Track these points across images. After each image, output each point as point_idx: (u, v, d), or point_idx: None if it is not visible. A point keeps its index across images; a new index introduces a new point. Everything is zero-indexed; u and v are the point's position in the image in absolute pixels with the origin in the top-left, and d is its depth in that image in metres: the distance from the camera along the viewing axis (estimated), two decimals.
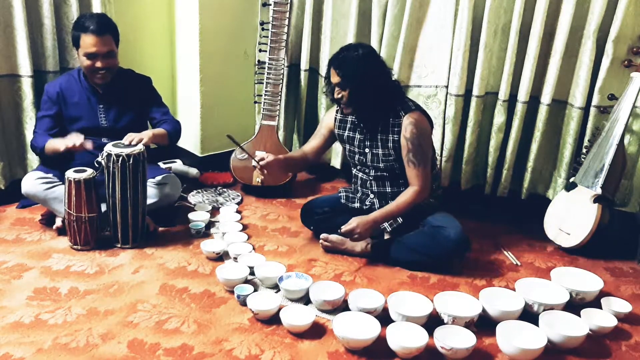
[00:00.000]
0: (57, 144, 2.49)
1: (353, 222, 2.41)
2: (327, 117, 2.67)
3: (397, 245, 2.47)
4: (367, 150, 2.51)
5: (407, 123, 2.40)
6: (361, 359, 1.90)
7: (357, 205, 2.61)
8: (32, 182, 2.54)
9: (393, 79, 2.47)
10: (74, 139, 2.46)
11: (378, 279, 2.40)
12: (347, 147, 2.60)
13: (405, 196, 2.43)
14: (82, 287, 2.22)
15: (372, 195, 2.58)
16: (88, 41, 2.49)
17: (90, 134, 2.63)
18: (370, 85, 2.36)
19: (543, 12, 2.63)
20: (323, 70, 3.27)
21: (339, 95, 2.41)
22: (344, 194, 2.68)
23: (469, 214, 2.90)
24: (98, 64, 2.52)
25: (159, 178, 2.69)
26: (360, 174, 2.60)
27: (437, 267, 2.45)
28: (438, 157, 2.98)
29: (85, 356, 1.85)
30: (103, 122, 2.66)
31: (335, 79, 2.39)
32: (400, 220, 2.47)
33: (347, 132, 2.57)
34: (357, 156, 2.57)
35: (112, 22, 2.60)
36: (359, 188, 2.62)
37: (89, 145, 2.48)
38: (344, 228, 2.41)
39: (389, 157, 2.47)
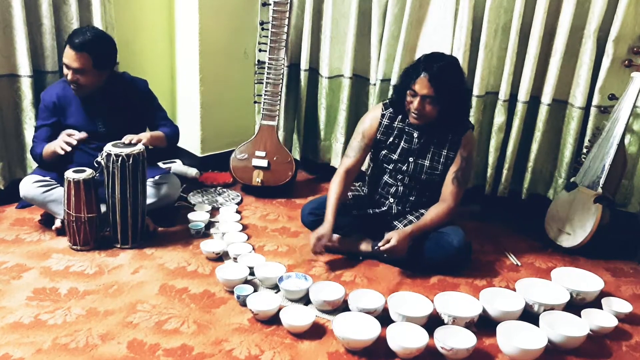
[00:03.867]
0: (54, 148, 2.49)
1: (393, 239, 2.31)
2: (370, 124, 2.48)
3: None
4: (411, 159, 2.44)
5: (468, 142, 2.39)
6: (361, 359, 1.90)
7: (369, 211, 2.57)
8: (30, 186, 2.54)
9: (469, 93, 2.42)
10: (68, 139, 2.46)
11: (378, 279, 2.39)
12: (385, 152, 2.49)
13: (439, 212, 2.40)
14: (81, 288, 2.22)
15: (391, 200, 2.53)
16: (66, 52, 2.49)
17: (88, 140, 2.62)
18: (459, 101, 2.32)
19: (543, 11, 2.63)
20: (323, 70, 3.27)
21: (421, 107, 2.28)
22: (352, 201, 2.60)
23: (469, 214, 2.90)
24: (69, 77, 2.51)
25: (158, 178, 2.69)
26: (386, 177, 2.53)
27: (437, 273, 2.44)
28: None
29: (85, 356, 1.84)
30: (100, 127, 2.64)
31: (426, 90, 2.24)
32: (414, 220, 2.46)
33: (391, 138, 2.46)
34: (394, 163, 2.47)
35: (99, 42, 2.51)
36: (379, 190, 2.57)
37: (83, 134, 2.48)
38: (383, 246, 2.32)
39: (435, 170, 2.43)
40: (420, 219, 2.42)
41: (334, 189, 2.46)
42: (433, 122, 2.35)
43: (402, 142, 2.45)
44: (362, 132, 2.50)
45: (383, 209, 2.55)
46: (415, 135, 2.42)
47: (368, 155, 2.59)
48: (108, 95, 2.64)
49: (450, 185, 2.41)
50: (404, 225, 2.46)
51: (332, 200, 2.44)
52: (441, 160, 2.42)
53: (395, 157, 2.47)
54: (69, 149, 2.45)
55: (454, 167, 2.41)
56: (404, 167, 2.46)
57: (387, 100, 2.53)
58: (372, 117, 2.50)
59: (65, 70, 2.53)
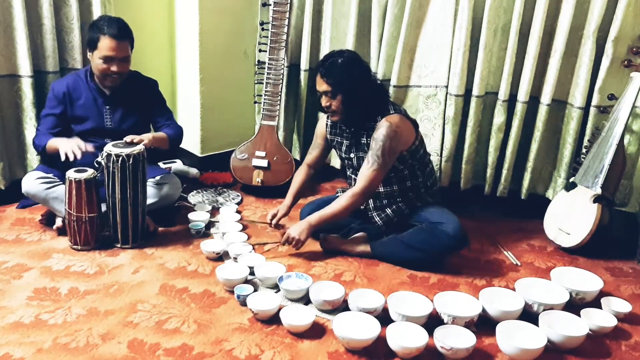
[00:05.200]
0: (58, 146, 2.48)
1: (288, 231, 2.44)
2: (320, 126, 2.69)
3: (396, 243, 2.47)
4: (352, 155, 2.53)
5: (381, 124, 2.38)
6: (361, 359, 1.90)
7: None
8: (33, 182, 2.54)
9: (377, 82, 2.48)
10: (74, 148, 2.43)
11: (378, 279, 2.40)
12: (338, 152, 2.64)
13: (342, 198, 2.43)
14: (82, 287, 2.22)
15: None
16: (107, 44, 2.47)
17: (94, 134, 2.63)
18: (359, 90, 2.36)
19: (543, 12, 2.64)
20: None
21: (328, 104, 2.40)
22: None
23: (469, 214, 2.90)
24: (113, 68, 2.52)
25: (158, 178, 2.70)
26: (353, 176, 2.59)
27: (436, 264, 2.45)
28: (438, 157, 2.98)
29: (85, 356, 1.85)
30: (108, 123, 2.65)
31: (323, 87, 2.38)
32: (392, 216, 2.48)
33: (337, 137, 2.60)
34: (346, 160, 2.60)
35: (129, 28, 2.57)
36: None
37: (90, 147, 2.48)
38: (282, 239, 2.46)
39: None
40: (322, 209, 2.45)
41: (295, 179, 2.77)
42: (353, 114, 2.41)
43: (344, 139, 2.56)
44: (316, 133, 2.74)
45: (363, 205, 2.56)
46: (348, 131, 2.53)
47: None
48: (120, 92, 2.65)
49: (362, 168, 2.42)
50: (381, 219, 2.51)
51: (293, 186, 2.75)
52: None
53: (343, 154, 2.59)
54: (71, 158, 2.43)
55: (369, 149, 2.41)
56: (352, 163, 2.55)
57: None
58: (321, 120, 2.70)
59: (103, 65, 2.51)
